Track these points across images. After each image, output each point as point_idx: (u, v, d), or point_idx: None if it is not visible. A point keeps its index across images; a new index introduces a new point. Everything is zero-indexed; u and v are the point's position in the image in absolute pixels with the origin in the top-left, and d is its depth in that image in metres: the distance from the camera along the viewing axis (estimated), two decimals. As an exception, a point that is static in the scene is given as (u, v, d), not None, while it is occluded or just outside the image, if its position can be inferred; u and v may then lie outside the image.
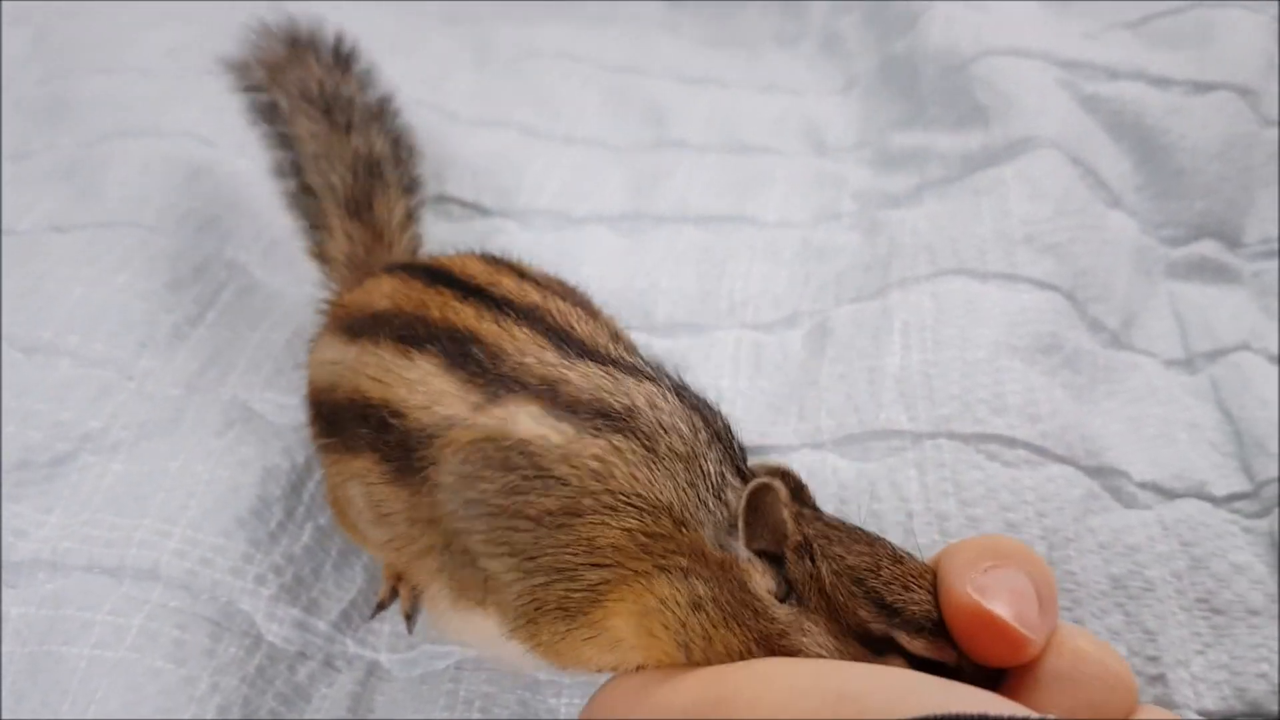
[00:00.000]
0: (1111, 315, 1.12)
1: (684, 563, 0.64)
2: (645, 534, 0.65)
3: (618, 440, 0.67)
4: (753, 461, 0.73)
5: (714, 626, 0.63)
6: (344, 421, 0.83)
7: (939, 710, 0.47)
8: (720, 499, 0.66)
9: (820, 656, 0.61)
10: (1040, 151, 1.20)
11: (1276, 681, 0.85)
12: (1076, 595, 0.89)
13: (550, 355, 0.74)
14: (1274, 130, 1.30)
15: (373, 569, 1.00)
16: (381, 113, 1.18)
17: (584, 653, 0.69)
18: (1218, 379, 1.08)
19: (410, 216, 1.14)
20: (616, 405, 0.69)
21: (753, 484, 0.63)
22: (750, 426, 1.04)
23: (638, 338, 1.08)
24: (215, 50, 1.53)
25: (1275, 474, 0.96)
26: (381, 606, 0.97)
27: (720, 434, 0.71)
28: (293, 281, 1.21)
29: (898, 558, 0.65)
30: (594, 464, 0.66)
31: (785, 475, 0.70)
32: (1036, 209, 1.14)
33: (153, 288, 1.14)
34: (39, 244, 1.19)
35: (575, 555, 0.66)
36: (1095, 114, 1.29)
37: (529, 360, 0.73)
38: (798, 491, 0.70)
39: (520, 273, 0.88)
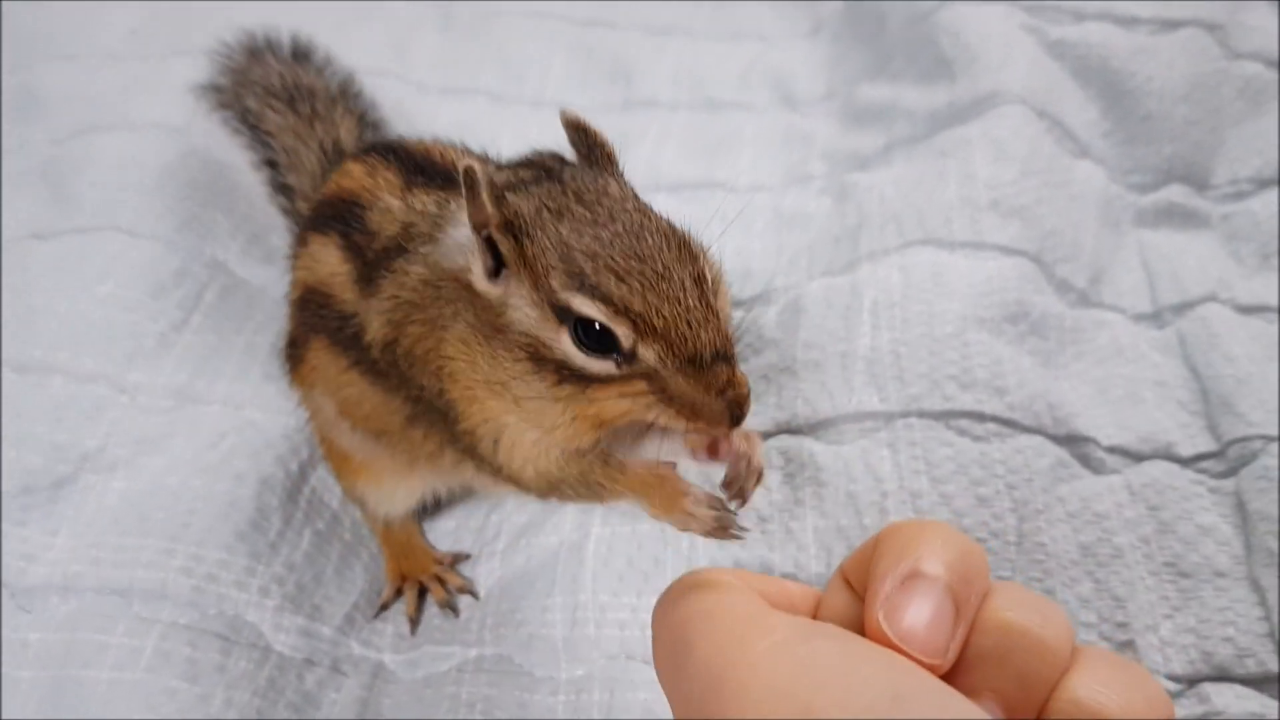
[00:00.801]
0: (1079, 274, 1.14)
1: (450, 309, 0.70)
2: (444, 298, 0.71)
3: (413, 267, 0.73)
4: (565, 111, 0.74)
5: (479, 345, 0.68)
6: (298, 319, 0.91)
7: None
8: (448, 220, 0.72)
9: (525, 324, 0.65)
10: (1006, 108, 1.21)
11: (1243, 644, 0.89)
12: (1047, 566, 0.93)
13: (396, 190, 0.80)
14: (1243, 63, 1.30)
15: (373, 569, 1.04)
16: (343, 94, 1.21)
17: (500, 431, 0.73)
18: (1185, 334, 1.10)
19: None
20: (398, 230, 0.76)
21: (462, 167, 0.64)
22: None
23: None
24: (175, 28, 1.53)
25: (1241, 433, 0.99)
26: (385, 606, 1.01)
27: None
28: (273, 278, 1.23)
29: (639, 256, 0.63)
30: (410, 294, 0.73)
31: (585, 131, 0.72)
32: (1002, 171, 1.15)
33: (136, 296, 1.15)
34: (21, 254, 1.20)
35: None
36: (1061, 60, 1.30)
37: (374, 215, 0.80)
38: (597, 150, 0.72)
39: (466, 152, 0.92)
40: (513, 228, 0.64)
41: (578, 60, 1.54)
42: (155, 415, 1.08)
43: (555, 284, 0.63)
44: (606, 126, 1.39)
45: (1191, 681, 0.88)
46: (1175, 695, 0.88)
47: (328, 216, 0.84)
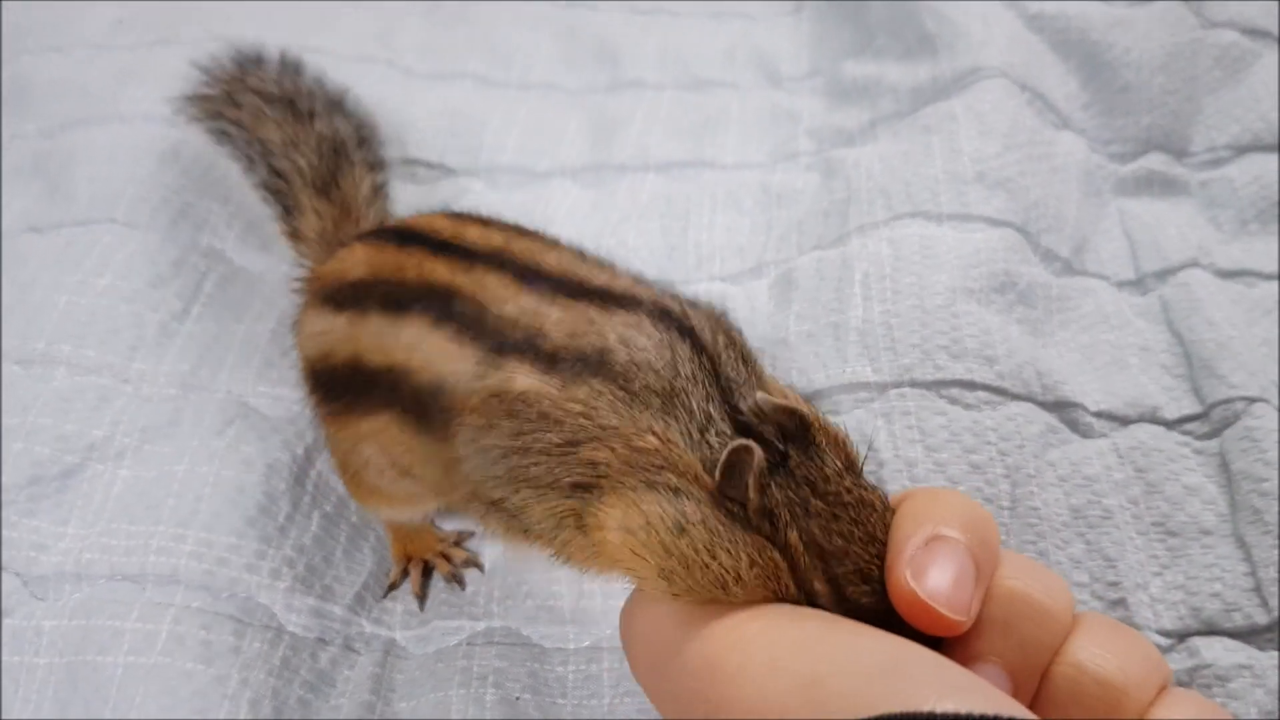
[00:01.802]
0: (1063, 244, 1.17)
1: (674, 481, 0.66)
2: (632, 449, 0.68)
3: (597, 384, 0.70)
4: (762, 398, 0.69)
5: (695, 553, 0.64)
6: (349, 386, 0.87)
7: (896, 708, 0.52)
8: (704, 438, 0.68)
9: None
10: (987, 82, 1.23)
11: (1229, 599, 0.92)
12: (1040, 529, 0.95)
13: (526, 300, 0.77)
14: (1219, 31, 1.32)
15: (380, 550, 1.06)
16: (341, 102, 1.21)
17: (599, 565, 0.73)
18: (1167, 299, 1.13)
19: (376, 192, 1.16)
20: (589, 348, 0.72)
21: (730, 446, 0.64)
22: (725, 382, 1.09)
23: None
24: (162, 18, 1.53)
25: (1224, 395, 1.02)
26: (393, 586, 1.03)
27: (711, 363, 0.71)
28: (271, 265, 1.24)
29: (870, 538, 0.66)
30: (579, 407, 0.70)
31: (793, 415, 0.68)
32: (985, 145, 1.18)
33: (136, 287, 1.17)
34: (19, 248, 1.21)
35: (579, 471, 0.70)
36: (1041, 33, 1.32)
37: (508, 310, 0.76)
38: (796, 432, 0.68)
39: (484, 222, 0.90)
40: (771, 516, 0.65)
41: (563, 42, 1.56)
42: (160, 404, 1.10)
43: (816, 584, 0.65)
44: (593, 109, 1.43)
45: (1181, 636, 0.91)
46: (1166, 650, 0.90)
47: (405, 300, 0.82)
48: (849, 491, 0.66)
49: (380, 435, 0.85)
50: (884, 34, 1.39)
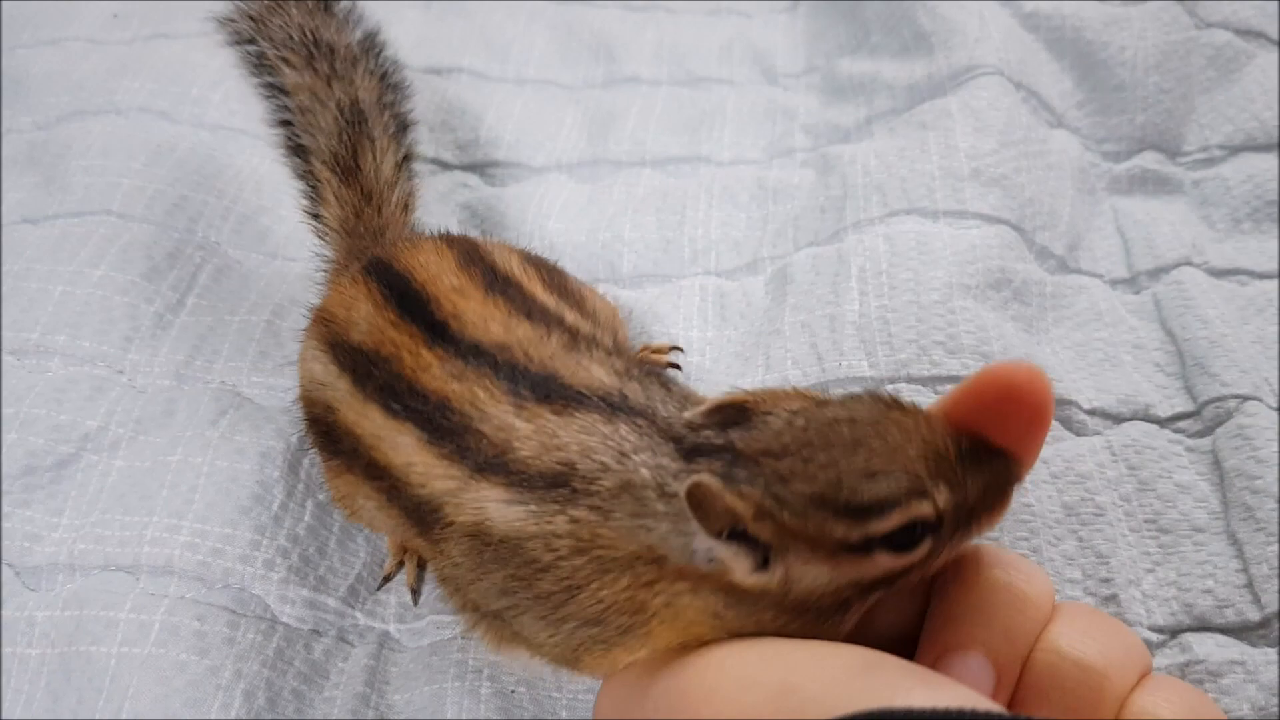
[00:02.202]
0: (1058, 241, 1.17)
1: (686, 586, 0.66)
2: (642, 582, 0.67)
3: (575, 512, 0.69)
4: (687, 415, 0.70)
5: (740, 621, 0.64)
6: (349, 451, 0.87)
7: (868, 705, 0.52)
8: (668, 502, 0.66)
9: (820, 591, 0.63)
10: (983, 80, 1.24)
11: (1222, 596, 0.92)
12: (1033, 525, 0.96)
13: (504, 405, 0.76)
14: (1213, 32, 1.33)
15: (374, 541, 1.06)
16: (365, 53, 1.17)
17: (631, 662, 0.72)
18: (1160, 297, 1.13)
19: (399, 166, 1.14)
20: (558, 466, 0.71)
21: (686, 488, 0.62)
22: (719, 376, 1.10)
23: (605, 291, 1.12)
24: (157, 11, 1.53)
25: (1217, 393, 1.03)
26: (388, 578, 1.03)
27: (659, 427, 0.71)
28: (265, 258, 1.24)
29: (855, 442, 0.63)
30: (567, 542, 0.69)
31: (722, 408, 0.68)
32: (981, 142, 1.18)
33: (130, 278, 1.17)
34: (14, 240, 1.21)
35: (595, 608, 0.69)
36: (1036, 32, 1.32)
37: (488, 427, 0.76)
38: (737, 418, 0.67)
39: (491, 276, 0.90)
40: (763, 512, 0.62)
41: (559, 37, 1.56)
42: (154, 395, 1.10)
43: (840, 534, 0.62)
44: (589, 104, 1.43)
45: (1174, 632, 0.92)
46: (1158, 645, 0.91)
47: (402, 404, 0.81)
48: (805, 429, 0.64)
49: (377, 499, 0.85)
50: (879, 31, 1.40)
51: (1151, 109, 1.30)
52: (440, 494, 0.76)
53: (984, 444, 0.65)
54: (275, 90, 1.13)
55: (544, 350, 0.82)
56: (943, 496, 0.62)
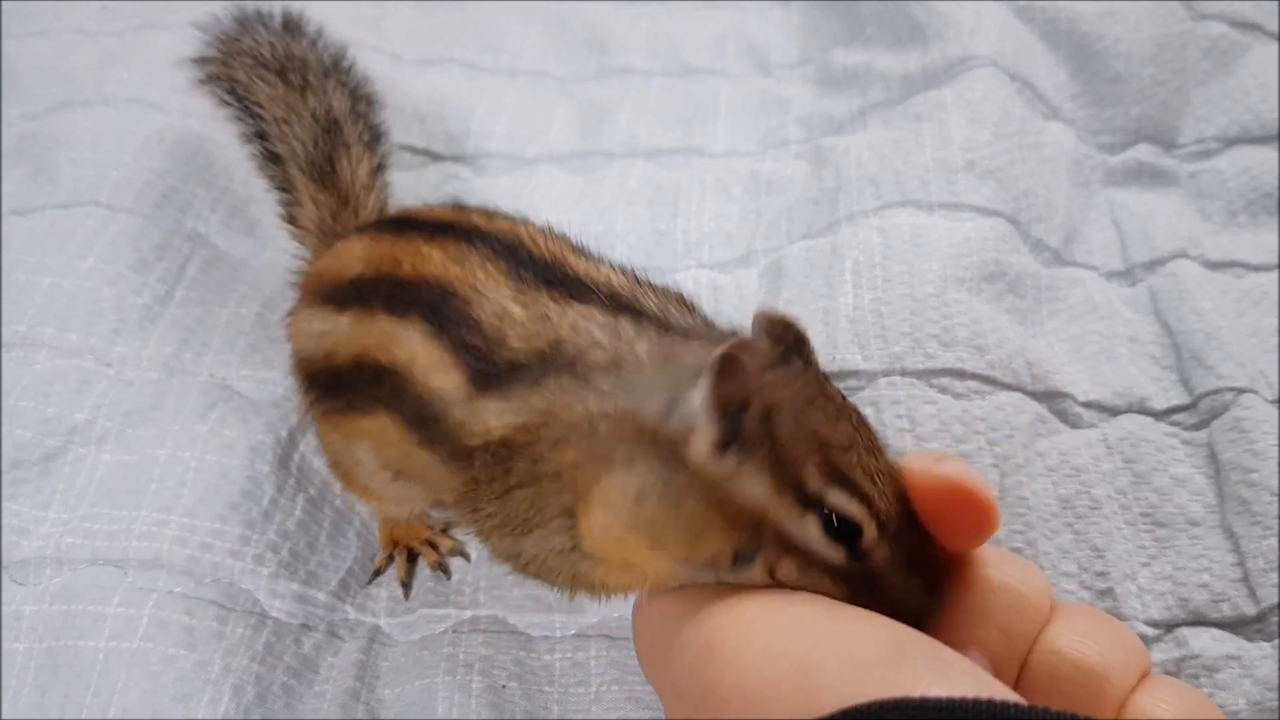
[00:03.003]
0: (1053, 234, 1.17)
1: (627, 449, 0.66)
2: (591, 436, 0.68)
3: (550, 382, 0.71)
4: (762, 309, 0.69)
5: (665, 509, 0.65)
6: (350, 385, 0.86)
7: (886, 694, 0.52)
8: (668, 366, 0.67)
9: (756, 502, 0.63)
10: (978, 71, 1.23)
11: (1217, 590, 0.92)
12: (1028, 519, 0.95)
13: (505, 289, 0.77)
14: (1208, 24, 1.32)
15: (365, 535, 1.05)
16: (336, 67, 1.17)
17: (605, 579, 0.73)
18: (1156, 290, 1.13)
19: (375, 173, 1.14)
20: (545, 346, 0.72)
21: (726, 347, 0.61)
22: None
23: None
24: (146, 2, 1.52)
25: (1212, 386, 1.02)
26: (378, 572, 1.02)
27: (658, 320, 0.72)
28: (254, 250, 1.24)
29: (875, 449, 0.65)
30: (540, 416, 0.71)
31: (787, 327, 0.67)
32: (975, 134, 1.17)
33: (119, 270, 1.15)
34: (3, 231, 1.20)
35: (556, 488, 0.70)
36: (1031, 23, 1.32)
37: (487, 316, 0.76)
38: (798, 346, 0.67)
39: (488, 214, 0.90)
40: (769, 411, 0.63)
41: (552, 29, 1.55)
42: (143, 388, 1.09)
43: (808, 473, 0.62)
44: (582, 96, 1.42)
45: (1169, 626, 0.91)
46: (1153, 640, 0.90)
47: (405, 300, 0.81)
48: (843, 400, 0.67)
49: (379, 436, 0.84)
50: (874, 23, 1.39)
51: (1147, 101, 1.29)
52: (441, 391, 0.76)
53: (926, 539, 0.65)
54: (250, 108, 1.13)
55: (554, 244, 0.82)
56: (884, 548, 0.64)
